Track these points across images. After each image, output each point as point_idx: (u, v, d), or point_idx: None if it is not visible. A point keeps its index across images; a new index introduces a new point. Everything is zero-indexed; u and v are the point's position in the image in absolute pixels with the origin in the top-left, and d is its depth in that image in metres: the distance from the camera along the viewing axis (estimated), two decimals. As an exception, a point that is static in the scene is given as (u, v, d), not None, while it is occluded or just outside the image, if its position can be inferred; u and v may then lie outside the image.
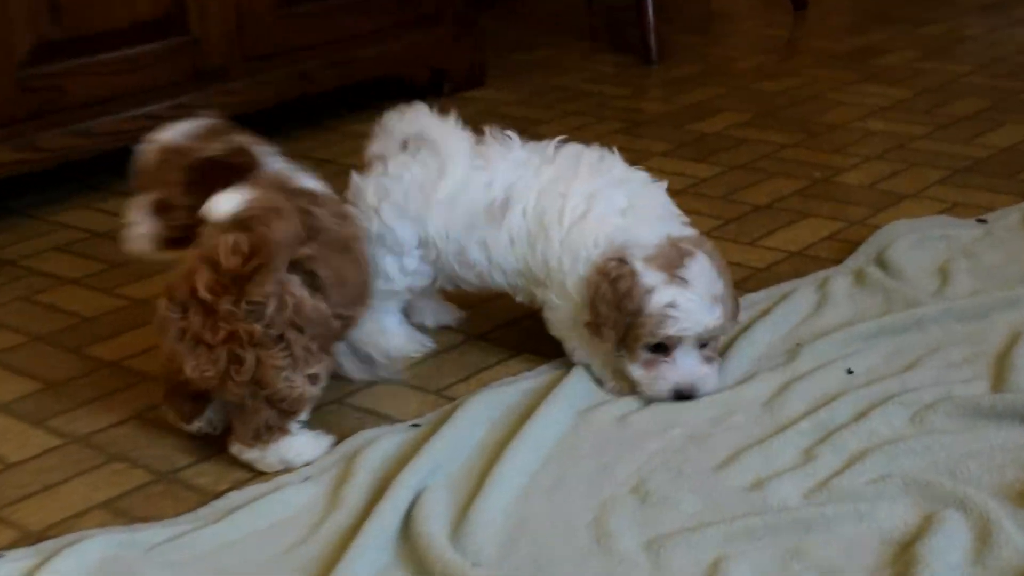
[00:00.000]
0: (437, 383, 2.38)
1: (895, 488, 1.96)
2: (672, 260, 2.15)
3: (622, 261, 2.15)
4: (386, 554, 1.88)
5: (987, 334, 2.40)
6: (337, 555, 1.86)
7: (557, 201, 2.25)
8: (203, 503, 2.03)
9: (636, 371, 2.21)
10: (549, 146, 2.36)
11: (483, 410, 2.22)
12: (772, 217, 3.06)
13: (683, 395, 2.20)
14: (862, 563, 1.82)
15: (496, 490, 2.00)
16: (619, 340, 2.18)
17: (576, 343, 2.31)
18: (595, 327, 2.19)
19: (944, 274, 2.65)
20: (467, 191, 2.32)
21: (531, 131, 3.71)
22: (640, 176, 2.33)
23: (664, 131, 3.77)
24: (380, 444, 2.14)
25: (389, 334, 2.45)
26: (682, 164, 3.45)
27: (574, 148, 2.35)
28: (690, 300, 2.13)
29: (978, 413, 2.13)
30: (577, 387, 2.27)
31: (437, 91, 4.14)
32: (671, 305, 2.12)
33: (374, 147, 2.41)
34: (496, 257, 2.31)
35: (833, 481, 2.00)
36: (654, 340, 2.16)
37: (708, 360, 2.23)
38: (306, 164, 2.26)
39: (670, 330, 2.14)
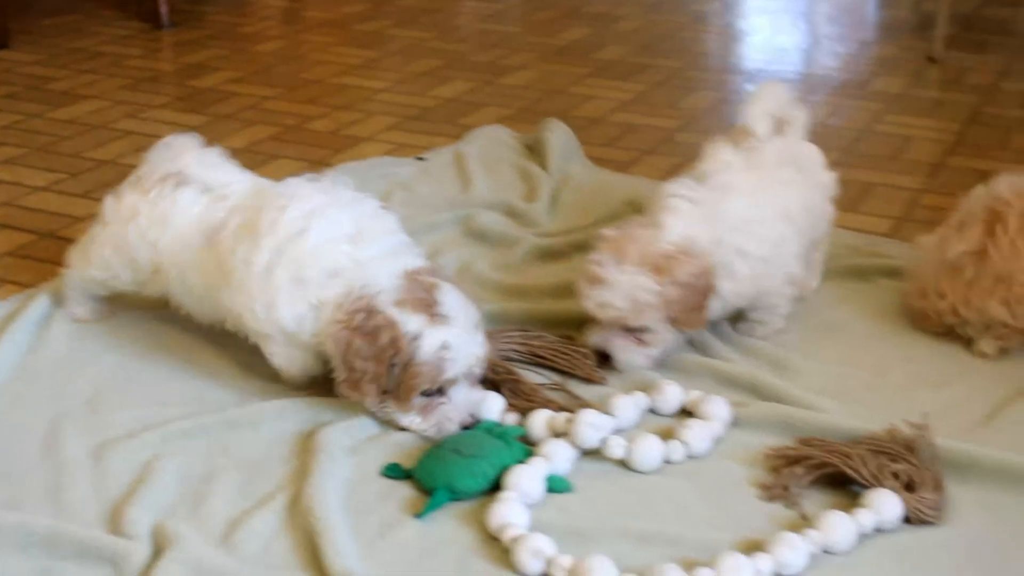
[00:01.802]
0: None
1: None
2: (424, 298, 1.75)
3: (372, 310, 1.73)
4: None
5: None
6: None
7: (272, 213, 1.81)
8: None
9: (412, 420, 1.79)
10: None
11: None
12: (248, 159, 2.91)
13: (467, 428, 1.80)
14: (279, 454, 1.77)
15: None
16: (384, 392, 1.77)
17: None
18: (353, 383, 1.76)
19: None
20: (194, 216, 1.92)
21: (45, 87, 3.52)
22: (370, 203, 1.89)
23: (165, 87, 3.59)
24: None
25: None
26: (176, 115, 3.30)
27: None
28: (459, 336, 1.75)
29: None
30: (39, 307, 2.10)
31: (-45, 52, 3.80)
32: (444, 347, 1.74)
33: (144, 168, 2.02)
34: (209, 279, 1.89)
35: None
36: (433, 387, 1.77)
37: (475, 384, 1.84)
38: None
39: (449, 373, 1.75)
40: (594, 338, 1.96)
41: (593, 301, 1.91)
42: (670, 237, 1.90)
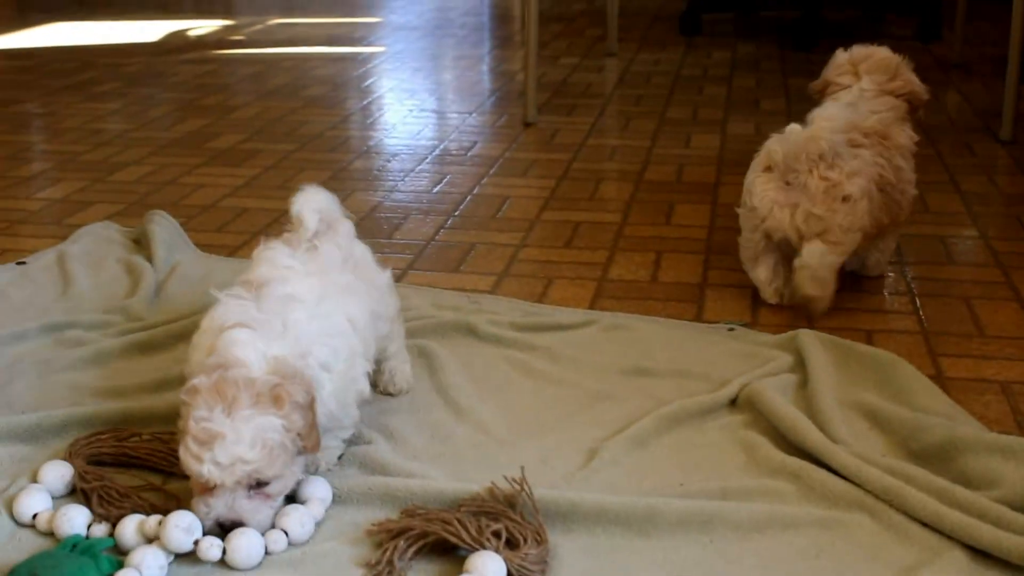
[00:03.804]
0: None
1: None
2: None
3: None
4: None
5: None
6: None
7: None
8: None
9: None
10: None
11: None
12: None
13: None
14: None
15: None
16: None
17: None
18: None
19: (-33, 314, 2.30)
20: None
21: None
22: None
23: None
24: None
25: None
26: None
27: None
28: None
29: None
30: None
31: None
32: None
33: None
34: None
35: None
36: None
37: None
38: None
39: None
40: (215, 511, 1.53)
41: (213, 463, 1.49)
42: (259, 367, 1.57)
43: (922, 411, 1.86)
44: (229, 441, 1.50)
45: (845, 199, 2.24)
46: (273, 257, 1.78)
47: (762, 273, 2.35)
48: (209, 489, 1.54)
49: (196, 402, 1.53)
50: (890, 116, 2.40)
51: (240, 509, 1.55)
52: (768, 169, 2.29)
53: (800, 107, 4.04)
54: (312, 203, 1.83)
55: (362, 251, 1.93)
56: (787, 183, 2.26)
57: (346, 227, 1.91)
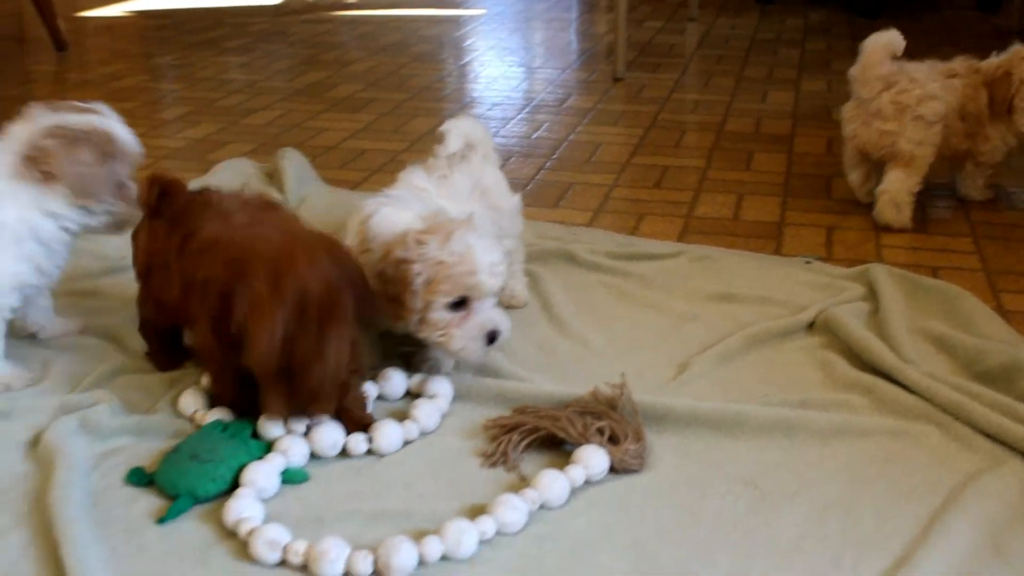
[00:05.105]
0: None
1: None
2: None
3: None
4: None
5: None
6: None
7: None
8: None
9: None
10: None
11: None
12: None
13: None
14: (21, 470, 1.51)
15: None
16: None
17: None
18: None
19: None
20: None
21: None
22: None
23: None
24: None
25: None
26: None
27: None
28: None
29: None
30: None
31: None
32: None
33: None
34: None
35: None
36: None
37: None
38: None
39: None
40: (489, 323, 1.63)
41: (483, 274, 1.60)
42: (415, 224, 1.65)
43: (985, 338, 1.86)
44: (482, 251, 1.60)
45: (917, 118, 2.36)
46: (410, 178, 1.84)
47: (856, 178, 2.52)
48: (464, 312, 1.61)
49: (425, 249, 1.59)
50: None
51: (499, 317, 1.64)
52: (856, 103, 2.45)
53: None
54: (460, 126, 1.88)
55: (494, 179, 1.96)
56: (863, 99, 2.39)
57: (478, 156, 1.93)
